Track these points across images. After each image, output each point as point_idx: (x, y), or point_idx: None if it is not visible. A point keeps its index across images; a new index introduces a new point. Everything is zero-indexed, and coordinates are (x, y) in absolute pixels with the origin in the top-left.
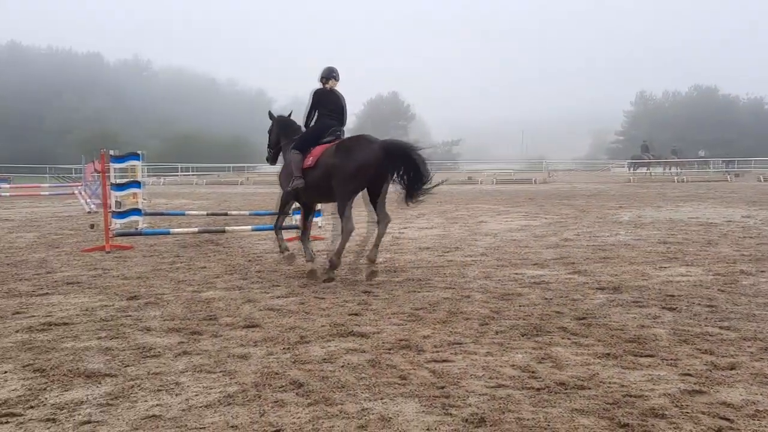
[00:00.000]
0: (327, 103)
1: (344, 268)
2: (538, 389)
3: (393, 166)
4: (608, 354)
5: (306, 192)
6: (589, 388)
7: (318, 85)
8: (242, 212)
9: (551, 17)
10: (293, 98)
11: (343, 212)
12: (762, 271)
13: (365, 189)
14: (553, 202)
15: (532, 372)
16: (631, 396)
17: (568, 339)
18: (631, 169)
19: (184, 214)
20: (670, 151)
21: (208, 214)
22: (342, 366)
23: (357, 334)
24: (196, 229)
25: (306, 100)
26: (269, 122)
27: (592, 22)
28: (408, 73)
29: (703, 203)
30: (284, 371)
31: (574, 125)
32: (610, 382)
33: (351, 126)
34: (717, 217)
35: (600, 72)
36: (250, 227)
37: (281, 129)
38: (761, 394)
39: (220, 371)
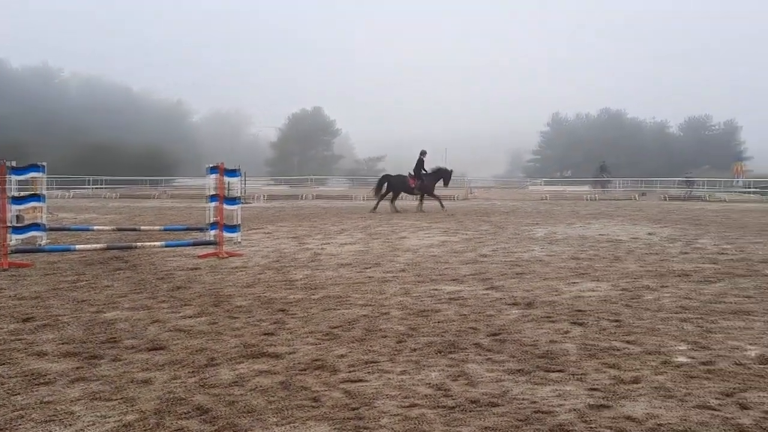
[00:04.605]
0: (417, 163)
1: (262, 286)
2: (452, 408)
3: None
4: (520, 370)
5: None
6: (501, 405)
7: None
8: (154, 227)
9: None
10: (214, 111)
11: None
12: (664, 287)
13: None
14: (472, 218)
15: (446, 390)
16: (540, 412)
17: (482, 355)
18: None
19: (90, 229)
20: (599, 167)
21: (116, 229)
22: (252, 389)
23: (270, 355)
24: (102, 245)
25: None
26: (188, 133)
27: (513, 48)
28: (332, 90)
29: (612, 221)
30: (189, 396)
31: (494, 144)
32: (521, 399)
33: (275, 140)
34: (624, 234)
35: (517, 94)
36: (162, 243)
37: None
38: (662, 408)
39: (119, 398)
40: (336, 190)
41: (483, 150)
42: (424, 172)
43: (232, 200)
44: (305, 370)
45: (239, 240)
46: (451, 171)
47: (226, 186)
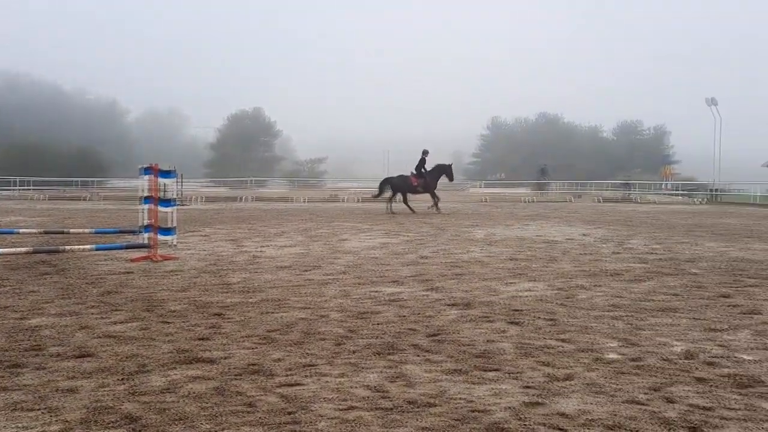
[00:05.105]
0: (419, 162)
1: (197, 289)
2: (389, 409)
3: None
4: (457, 370)
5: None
6: (438, 405)
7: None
8: (84, 230)
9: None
10: (149, 111)
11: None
12: (597, 286)
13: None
14: (413, 220)
15: (385, 392)
16: (476, 411)
17: (421, 356)
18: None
19: (15, 232)
20: (540, 170)
21: (43, 232)
22: (184, 396)
23: (204, 360)
24: (28, 249)
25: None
26: (122, 133)
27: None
28: (274, 90)
29: (548, 222)
30: (117, 405)
31: (437, 146)
32: (458, 398)
33: (213, 140)
34: (559, 235)
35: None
36: (92, 246)
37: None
38: (594, 403)
39: (42, 408)
40: (276, 192)
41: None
42: (423, 170)
43: (167, 202)
44: (240, 375)
45: (175, 243)
46: (451, 165)
47: (162, 188)
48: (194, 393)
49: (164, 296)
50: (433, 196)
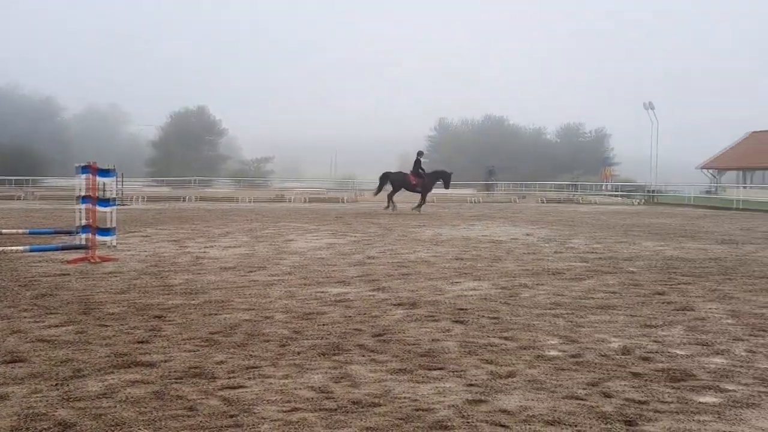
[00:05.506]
0: (414, 163)
1: (137, 291)
2: (333, 410)
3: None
4: (402, 369)
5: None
6: (383, 405)
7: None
8: (18, 231)
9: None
10: (88, 108)
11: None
12: (540, 284)
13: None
14: (360, 220)
15: (329, 392)
16: (420, 410)
17: (366, 356)
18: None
19: None
20: (488, 171)
21: None
22: (122, 400)
23: (143, 364)
24: None
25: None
26: (59, 131)
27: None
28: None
29: (494, 222)
30: (51, 411)
31: (384, 147)
32: (402, 397)
33: (155, 138)
34: (504, 235)
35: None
36: (25, 247)
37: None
38: (534, 400)
39: None
40: (221, 191)
41: (372, 153)
42: (422, 171)
43: (106, 202)
44: (181, 378)
45: (114, 244)
46: (451, 173)
47: (101, 187)
48: (132, 398)
49: (102, 299)
50: (423, 198)
